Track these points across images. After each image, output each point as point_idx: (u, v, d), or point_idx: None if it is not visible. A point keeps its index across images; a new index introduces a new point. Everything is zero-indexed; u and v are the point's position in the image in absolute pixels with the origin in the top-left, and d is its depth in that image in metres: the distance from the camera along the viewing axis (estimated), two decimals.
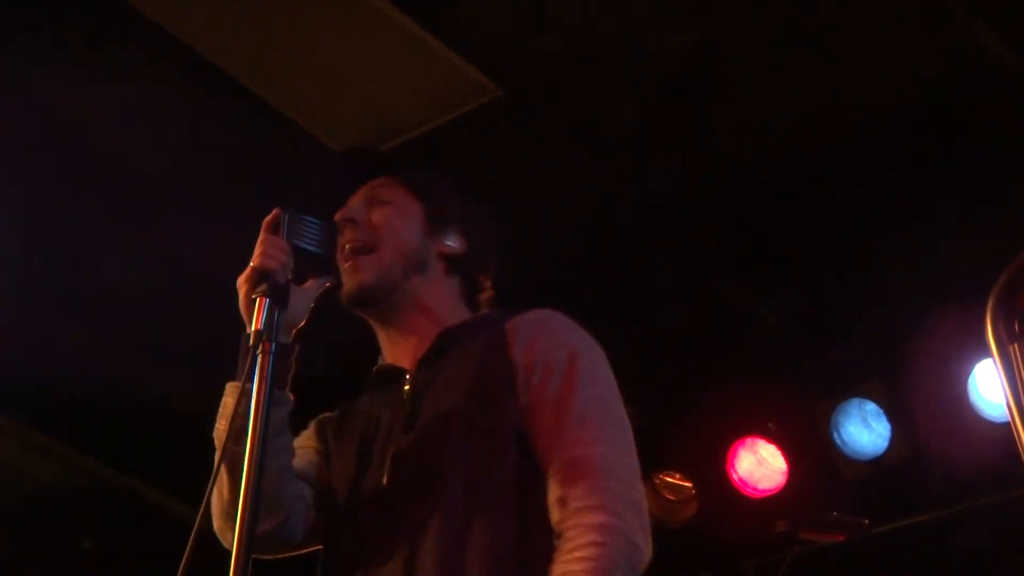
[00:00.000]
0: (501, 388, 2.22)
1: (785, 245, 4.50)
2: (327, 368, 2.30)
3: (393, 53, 3.81)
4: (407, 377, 2.34)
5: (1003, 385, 1.44)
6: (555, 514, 2.11)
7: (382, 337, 2.45)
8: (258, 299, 2.14)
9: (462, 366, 2.28)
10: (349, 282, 2.37)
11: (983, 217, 4.23)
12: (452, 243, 2.46)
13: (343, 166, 2.58)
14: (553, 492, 2.12)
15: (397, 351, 2.41)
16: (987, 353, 4.32)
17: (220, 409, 2.27)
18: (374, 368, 2.46)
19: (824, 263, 4.55)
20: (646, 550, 2.08)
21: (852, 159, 4.20)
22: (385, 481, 2.22)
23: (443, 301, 2.43)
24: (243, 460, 2.01)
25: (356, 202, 2.47)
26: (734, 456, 4.84)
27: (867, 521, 4.04)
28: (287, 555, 2.33)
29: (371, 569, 2.16)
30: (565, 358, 2.24)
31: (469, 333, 2.36)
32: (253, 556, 2.00)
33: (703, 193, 4.34)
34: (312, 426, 2.47)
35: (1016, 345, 1.44)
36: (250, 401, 2.04)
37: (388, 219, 2.43)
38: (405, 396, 2.32)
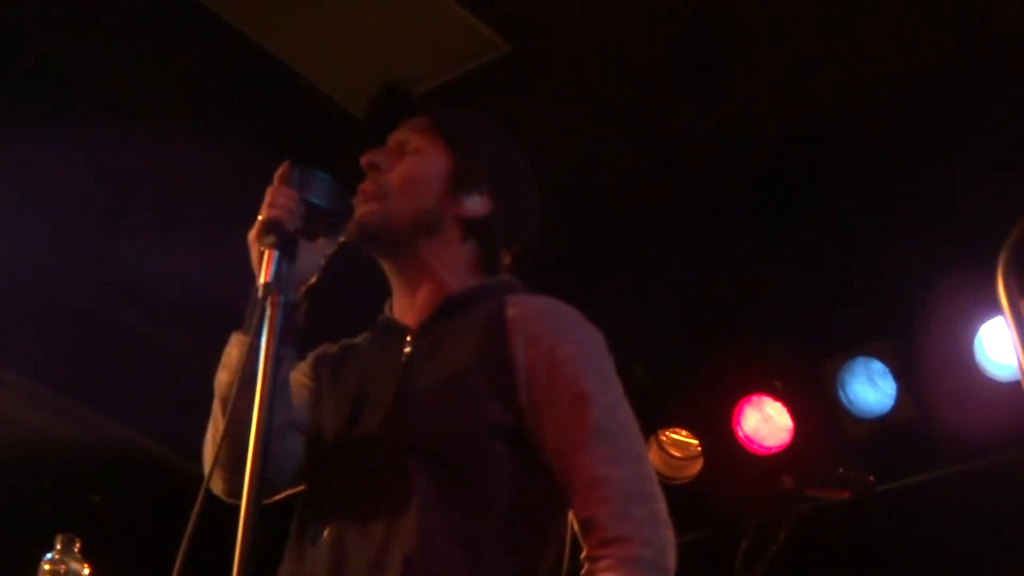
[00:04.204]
0: (495, 385, 2.13)
1: (794, 204, 4.49)
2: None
3: (401, 7, 3.79)
4: (408, 339, 2.27)
5: (1014, 342, 1.43)
6: (582, 535, 2.07)
7: (392, 282, 2.37)
8: (266, 251, 2.09)
9: (460, 346, 2.20)
10: (353, 221, 2.27)
11: (991, 178, 4.21)
12: (474, 206, 2.32)
13: (377, 105, 2.42)
14: (578, 511, 2.08)
15: (403, 304, 2.34)
16: (994, 313, 4.34)
17: (222, 359, 2.23)
18: (381, 315, 2.38)
19: (832, 221, 4.53)
20: (674, 563, 2.04)
21: (864, 120, 4.18)
22: (370, 441, 2.16)
23: (451, 266, 2.31)
24: (243, 413, 1.98)
25: (389, 144, 2.37)
26: (740, 413, 4.84)
27: (873, 479, 4.04)
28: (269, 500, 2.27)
29: (349, 526, 2.12)
30: (573, 357, 2.14)
31: (473, 302, 2.26)
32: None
33: (713, 152, 4.33)
34: (309, 360, 2.39)
35: None
36: (257, 355, 2.01)
37: (407, 173, 2.32)
38: (404, 358, 2.25)
